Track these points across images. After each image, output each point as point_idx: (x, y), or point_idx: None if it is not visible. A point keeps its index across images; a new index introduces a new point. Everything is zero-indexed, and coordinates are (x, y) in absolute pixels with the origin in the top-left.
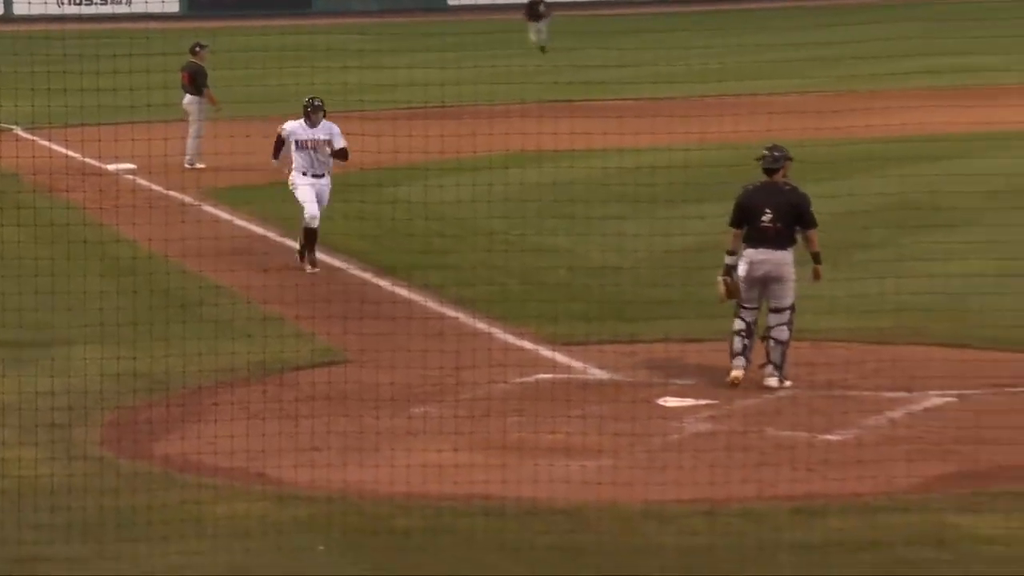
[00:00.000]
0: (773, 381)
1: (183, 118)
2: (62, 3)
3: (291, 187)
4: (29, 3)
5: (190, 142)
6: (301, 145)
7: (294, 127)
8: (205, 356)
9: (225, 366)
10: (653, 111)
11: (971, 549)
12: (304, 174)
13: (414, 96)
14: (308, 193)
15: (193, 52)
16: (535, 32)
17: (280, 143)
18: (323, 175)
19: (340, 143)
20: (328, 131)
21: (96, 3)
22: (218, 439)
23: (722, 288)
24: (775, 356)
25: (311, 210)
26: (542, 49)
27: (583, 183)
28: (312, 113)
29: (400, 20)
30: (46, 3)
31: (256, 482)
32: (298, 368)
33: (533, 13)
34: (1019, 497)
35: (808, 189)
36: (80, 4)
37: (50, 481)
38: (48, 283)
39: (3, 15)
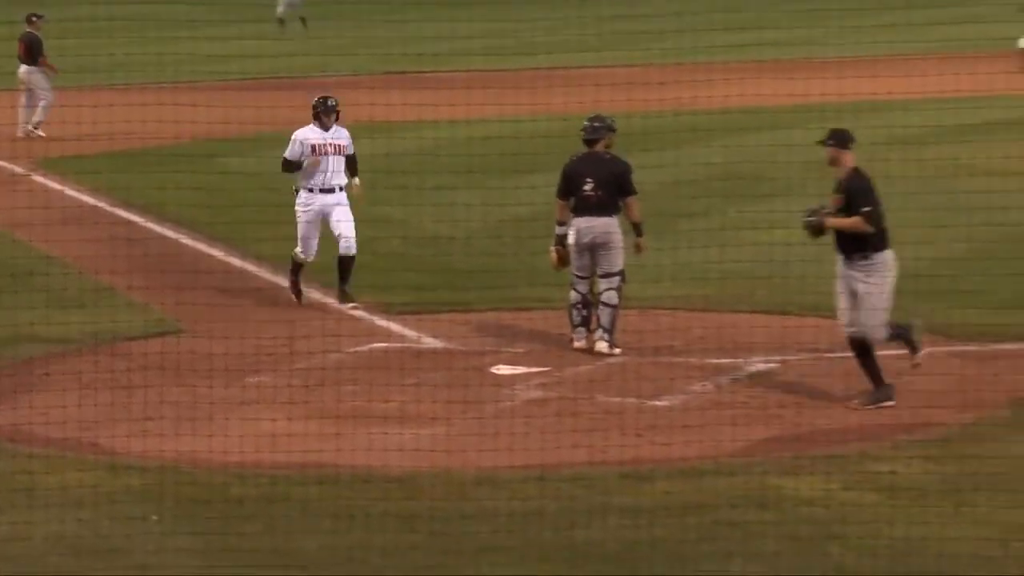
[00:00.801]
0: (603, 346)
1: (18, 88)
2: None
3: (298, 208)
4: None
5: (37, 110)
6: (316, 151)
7: (305, 132)
8: (36, 326)
9: (57, 336)
10: (484, 83)
11: (792, 510)
12: (312, 191)
13: (247, 67)
14: (309, 230)
15: (29, 22)
16: (285, 4)
17: (290, 164)
18: (334, 189)
19: (351, 150)
20: (343, 135)
21: None
22: (50, 409)
23: (554, 257)
24: (605, 320)
25: (305, 249)
26: (303, 21)
27: (415, 154)
28: (325, 115)
29: None
30: None
31: (89, 452)
32: (131, 338)
33: None
34: (838, 460)
35: (635, 160)
36: None
37: None
38: None
39: None
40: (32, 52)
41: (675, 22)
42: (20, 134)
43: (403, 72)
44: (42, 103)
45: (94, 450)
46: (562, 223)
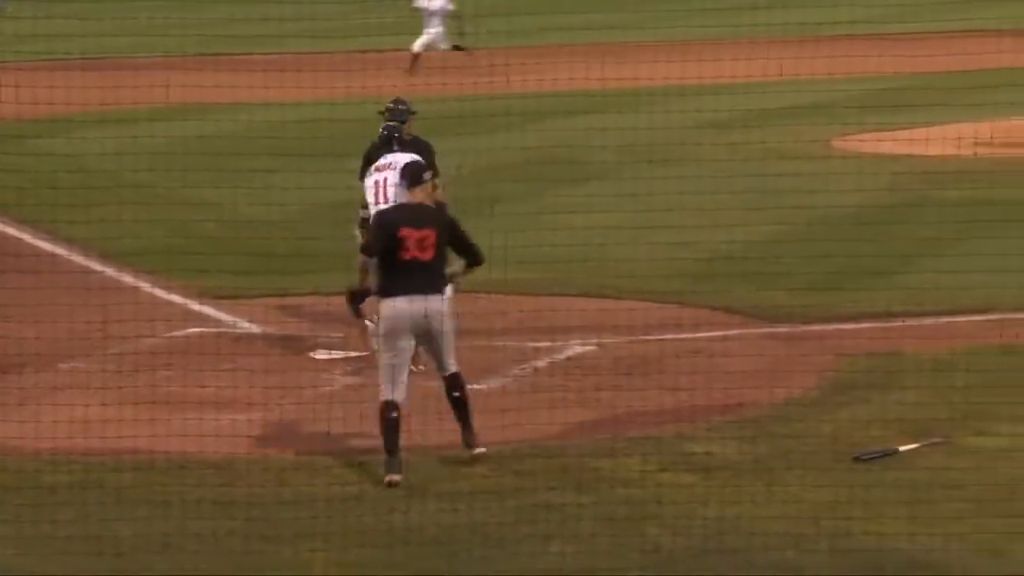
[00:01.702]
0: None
1: None
2: None
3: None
4: None
5: None
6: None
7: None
8: None
9: None
10: (297, 65)
11: (609, 492)
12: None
13: (55, 47)
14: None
15: None
16: None
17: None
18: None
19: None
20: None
21: None
22: None
23: (361, 239)
24: None
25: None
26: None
27: (230, 137)
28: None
29: None
30: None
31: None
32: None
33: None
34: (654, 441)
35: (448, 144)
36: None
37: None
38: None
39: None
40: None
41: (490, 3)
42: None
43: (217, 54)
44: None
45: None
46: (365, 206)
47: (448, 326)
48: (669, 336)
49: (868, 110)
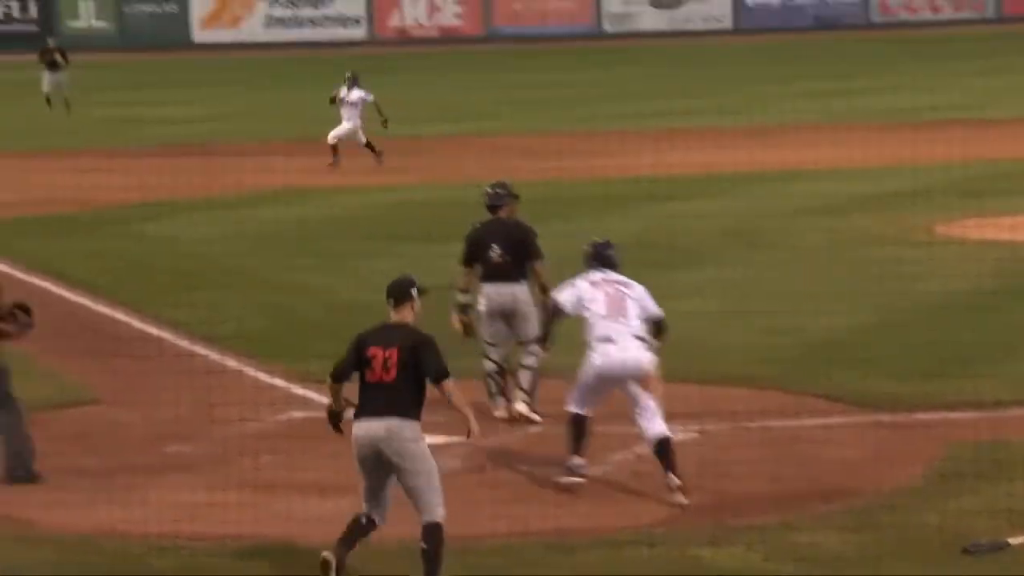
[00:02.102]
0: (522, 407)
1: None
2: None
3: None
4: None
5: None
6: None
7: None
8: None
9: None
10: (400, 149)
11: None
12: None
13: (163, 132)
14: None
15: None
16: (51, 84)
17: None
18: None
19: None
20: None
21: None
22: None
23: (458, 326)
24: (524, 382)
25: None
26: (66, 104)
27: (333, 220)
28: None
29: (146, 56)
30: None
31: (2, 524)
32: (47, 407)
33: (51, 63)
34: (758, 530)
35: (549, 228)
36: None
37: None
38: None
39: None
40: None
41: (584, 91)
42: None
43: (320, 138)
44: None
45: (8, 522)
46: (465, 290)
47: (416, 456)
48: (771, 423)
49: (971, 195)
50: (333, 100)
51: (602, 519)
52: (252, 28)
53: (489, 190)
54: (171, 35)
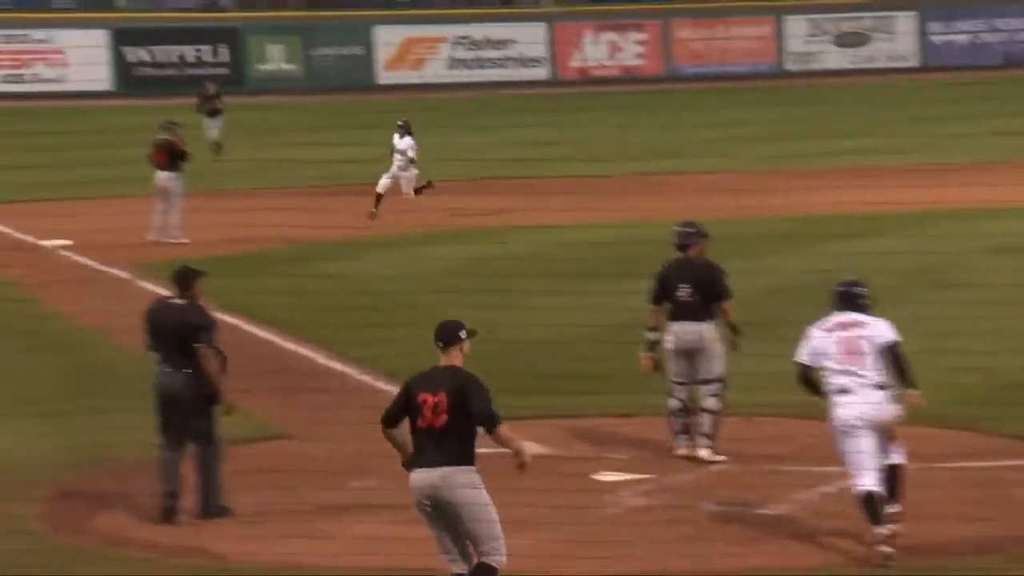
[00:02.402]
0: (705, 453)
1: (156, 194)
2: None
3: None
4: None
5: (174, 217)
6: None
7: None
8: (142, 430)
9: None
10: (584, 188)
11: None
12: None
13: (348, 172)
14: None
15: (167, 129)
16: (211, 129)
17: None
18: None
19: None
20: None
21: (28, 81)
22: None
23: (646, 363)
24: (706, 427)
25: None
26: (218, 146)
27: (516, 258)
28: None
29: (331, 98)
30: None
31: (196, 556)
32: (235, 442)
33: (212, 111)
34: (951, 572)
35: (732, 265)
36: (13, 82)
37: None
38: None
39: None
40: (174, 158)
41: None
42: (158, 238)
43: (504, 177)
44: (175, 210)
45: (202, 554)
46: (653, 328)
47: (473, 502)
48: (963, 464)
49: None
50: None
51: (788, 558)
52: (435, 69)
53: (679, 229)
54: (356, 77)
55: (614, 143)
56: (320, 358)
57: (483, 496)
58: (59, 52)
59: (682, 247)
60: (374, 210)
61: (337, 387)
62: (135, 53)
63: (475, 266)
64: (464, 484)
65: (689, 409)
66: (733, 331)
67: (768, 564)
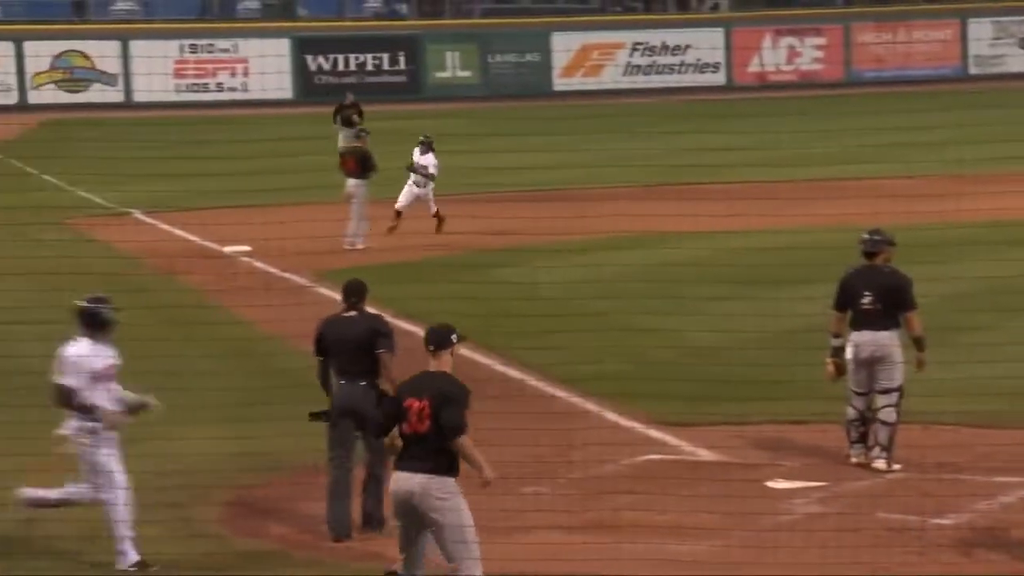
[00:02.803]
0: (881, 464)
1: (344, 201)
2: (180, 90)
3: None
4: (152, 91)
5: (354, 224)
6: None
7: None
8: (319, 436)
9: None
10: (760, 193)
11: None
12: None
13: (523, 179)
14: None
15: (358, 137)
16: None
17: None
18: None
19: None
20: None
21: (212, 90)
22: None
23: (831, 369)
24: (882, 438)
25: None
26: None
27: (690, 264)
28: None
29: (507, 104)
30: (166, 91)
31: (370, 560)
32: None
33: (347, 121)
34: None
35: (913, 271)
36: (198, 91)
37: (170, 559)
38: (167, 363)
39: (123, 102)
40: (364, 166)
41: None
42: (346, 246)
43: (678, 183)
44: (357, 217)
45: (374, 558)
46: (837, 335)
47: (448, 511)
48: None
49: None
50: (410, 167)
51: (966, 568)
52: (612, 75)
53: (866, 236)
54: (532, 84)
55: (790, 149)
56: (496, 364)
57: (460, 515)
58: (243, 61)
59: (869, 255)
60: (393, 224)
61: (510, 393)
62: (316, 62)
63: (649, 272)
64: (441, 495)
65: (866, 418)
66: (918, 346)
67: (944, 574)
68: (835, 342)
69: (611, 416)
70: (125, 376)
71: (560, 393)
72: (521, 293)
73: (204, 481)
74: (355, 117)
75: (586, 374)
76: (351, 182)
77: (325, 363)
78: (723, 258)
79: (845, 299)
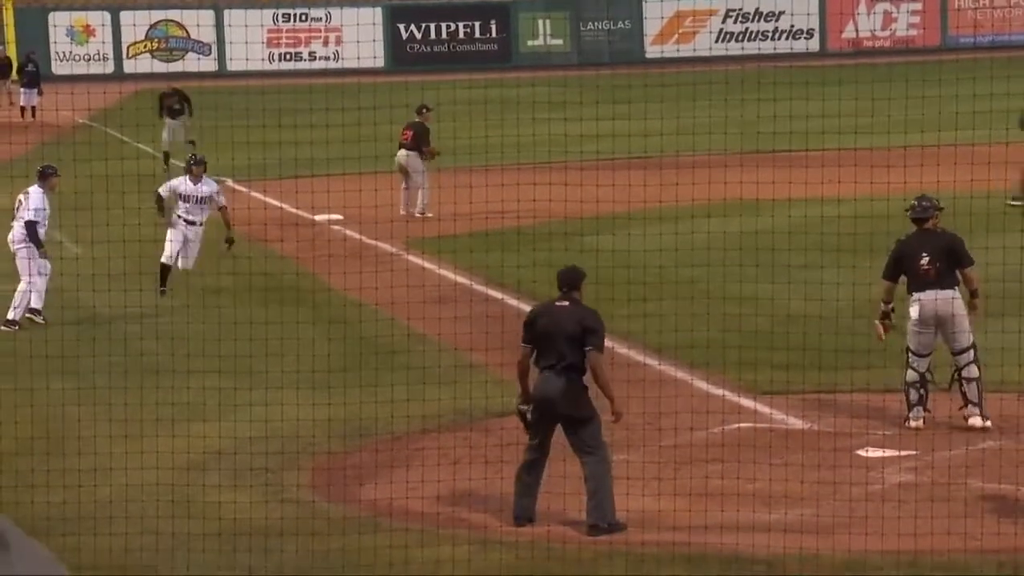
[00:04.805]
0: (977, 421)
1: (394, 171)
2: (273, 59)
3: None
4: (247, 60)
5: (421, 194)
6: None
7: None
8: (409, 403)
9: (428, 413)
10: (854, 161)
11: None
12: None
13: (615, 147)
14: None
15: (419, 113)
16: (170, 135)
17: None
18: None
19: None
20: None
21: (306, 59)
22: (422, 484)
23: (881, 331)
24: (972, 395)
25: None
26: (167, 156)
27: (782, 232)
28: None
29: (598, 72)
30: (260, 59)
31: (460, 527)
32: (500, 415)
33: (171, 110)
34: None
35: (1009, 239)
36: (291, 60)
37: (262, 524)
38: (259, 331)
39: (217, 71)
40: (418, 140)
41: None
42: (402, 212)
43: (772, 151)
44: (425, 187)
45: (464, 525)
46: (888, 302)
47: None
48: None
49: None
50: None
51: None
52: (704, 42)
53: (917, 203)
54: (624, 52)
55: (885, 115)
56: None
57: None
58: (336, 30)
59: (920, 220)
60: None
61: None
62: (408, 30)
63: (741, 239)
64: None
65: (927, 380)
66: (974, 296)
67: None
68: (885, 307)
69: (701, 384)
70: (217, 340)
71: (651, 361)
72: (613, 261)
73: (295, 446)
74: (177, 106)
75: (677, 342)
76: (402, 152)
77: (532, 352)
78: (817, 226)
79: (899, 267)
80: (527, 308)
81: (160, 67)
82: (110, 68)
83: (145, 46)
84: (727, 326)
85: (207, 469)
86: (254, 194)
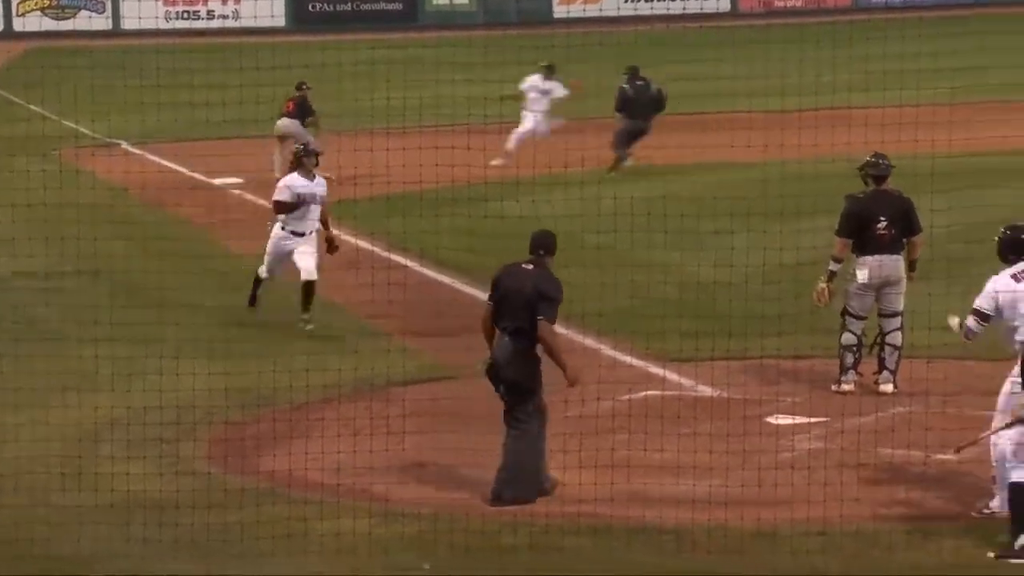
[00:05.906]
0: (888, 387)
1: (274, 134)
2: (170, 17)
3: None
4: (139, 18)
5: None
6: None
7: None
8: (311, 372)
9: (330, 382)
10: (764, 123)
11: None
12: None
13: (514, 110)
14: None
15: (299, 88)
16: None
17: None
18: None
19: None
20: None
21: (203, 17)
22: (323, 455)
23: (824, 293)
24: (890, 362)
25: None
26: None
27: (691, 197)
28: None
29: (504, 32)
30: (156, 18)
31: (361, 499)
32: (403, 384)
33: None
34: None
35: (920, 202)
36: (188, 18)
37: (158, 496)
38: (156, 296)
39: (111, 29)
40: (301, 112)
41: (965, 60)
42: (277, 176)
43: (680, 113)
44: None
45: (367, 497)
46: (839, 260)
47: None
48: None
49: None
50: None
51: (967, 503)
52: (614, 2)
53: (876, 160)
54: (532, 11)
55: (793, 77)
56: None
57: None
58: None
59: (879, 179)
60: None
61: None
62: None
63: (649, 205)
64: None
65: (862, 345)
66: (911, 265)
67: (948, 511)
68: (835, 267)
69: (609, 352)
70: (112, 307)
71: (558, 329)
72: (521, 227)
73: (191, 417)
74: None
75: (584, 310)
76: (283, 121)
77: (495, 311)
78: (726, 190)
79: (854, 225)
80: (431, 275)
81: (51, 25)
82: None
83: (36, 3)
84: (636, 293)
85: (101, 440)
86: (150, 157)
